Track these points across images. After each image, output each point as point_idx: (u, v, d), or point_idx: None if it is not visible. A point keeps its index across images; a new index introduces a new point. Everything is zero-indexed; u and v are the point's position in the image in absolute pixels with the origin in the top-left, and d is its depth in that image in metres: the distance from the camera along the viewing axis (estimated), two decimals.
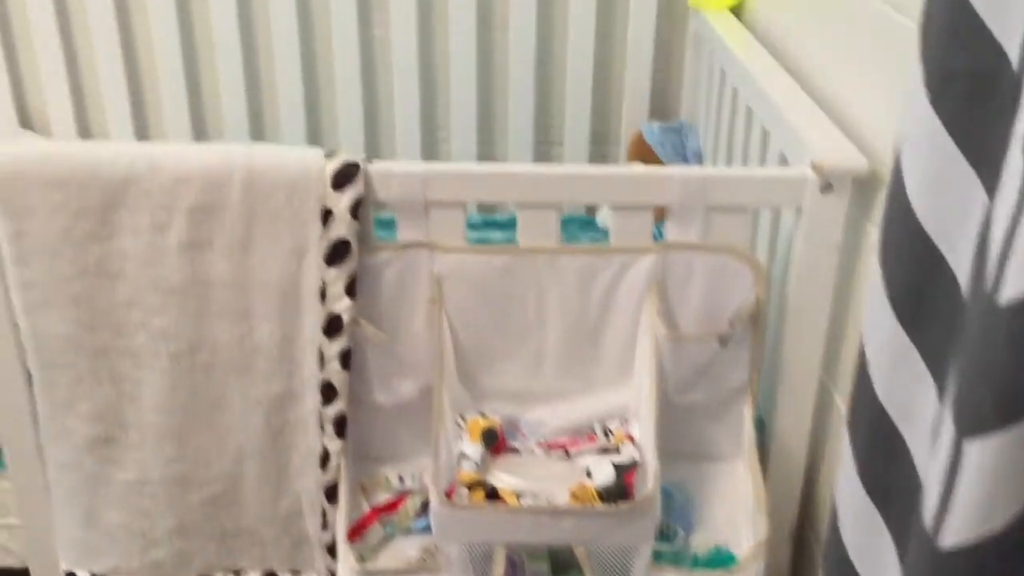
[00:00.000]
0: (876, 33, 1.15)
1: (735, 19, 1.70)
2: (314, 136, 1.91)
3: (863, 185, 1.12)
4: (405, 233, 1.16)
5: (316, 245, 1.13)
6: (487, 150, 1.94)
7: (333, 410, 1.17)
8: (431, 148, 1.93)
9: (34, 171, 1.10)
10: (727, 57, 1.56)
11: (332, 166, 1.12)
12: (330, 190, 1.12)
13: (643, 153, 1.82)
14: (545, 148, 1.94)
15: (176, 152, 1.13)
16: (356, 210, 1.12)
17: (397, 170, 1.13)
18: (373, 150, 1.92)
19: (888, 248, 0.81)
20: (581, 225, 1.84)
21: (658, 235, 1.15)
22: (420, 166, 1.14)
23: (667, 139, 1.80)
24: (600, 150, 1.95)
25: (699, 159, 1.80)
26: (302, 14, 1.83)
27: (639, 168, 1.19)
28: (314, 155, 1.13)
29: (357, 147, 1.89)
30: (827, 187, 1.10)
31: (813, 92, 1.31)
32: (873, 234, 1.12)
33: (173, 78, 1.85)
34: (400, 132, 1.90)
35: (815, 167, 1.10)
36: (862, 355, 0.85)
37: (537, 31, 1.83)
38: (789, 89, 1.31)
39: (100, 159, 1.11)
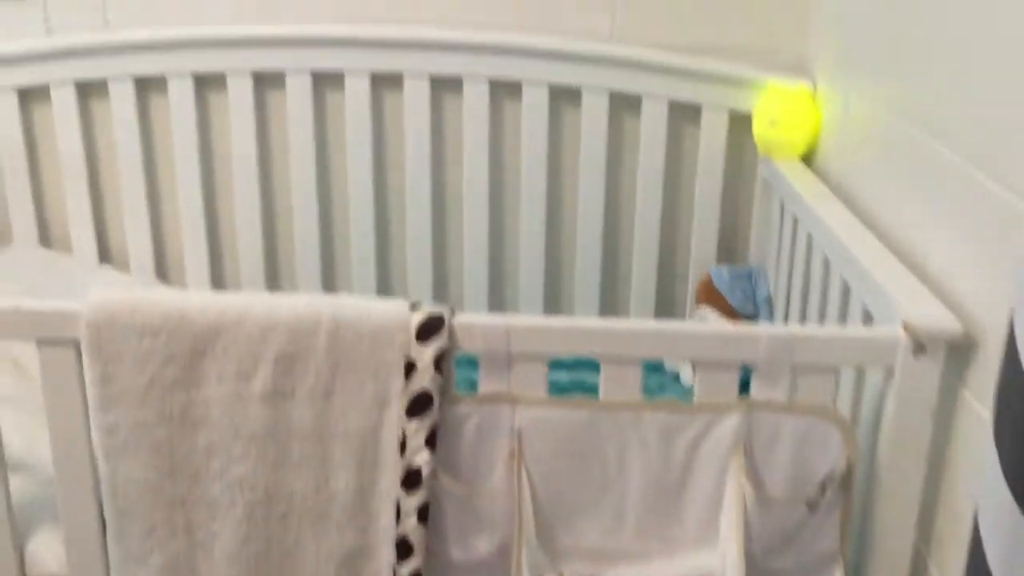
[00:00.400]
0: (964, 196, 1.14)
1: (805, 168, 1.71)
2: (384, 280, 1.94)
3: (957, 348, 1.09)
4: (487, 385, 1.15)
5: (398, 397, 1.13)
6: (553, 289, 1.95)
7: (408, 567, 1.14)
8: (498, 286, 1.95)
9: (125, 318, 1.12)
10: (800, 206, 1.56)
11: (417, 318, 1.12)
12: (414, 342, 1.12)
13: (712, 297, 1.81)
14: (612, 288, 1.95)
15: (264, 302, 1.14)
16: (439, 362, 1.12)
17: (481, 323, 1.13)
18: (441, 290, 1.94)
19: (1004, 425, 0.79)
20: (649, 369, 1.82)
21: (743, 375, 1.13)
22: (504, 319, 1.14)
23: (737, 284, 1.80)
24: (667, 291, 1.95)
25: (769, 305, 1.79)
26: (377, 169, 1.88)
27: (725, 325, 1.19)
28: (399, 307, 1.14)
29: (425, 289, 1.91)
30: (920, 349, 1.08)
31: (894, 248, 1.31)
32: (968, 399, 1.09)
33: (250, 225, 1.90)
34: (468, 270, 1.92)
35: (907, 329, 1.08)
36: (976, 535, 0.82)
37: (606, 171, 1.86)
38: (870, 244, 1.31)
39: (190, 308, 1.12)
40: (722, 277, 1.81)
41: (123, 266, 1.92)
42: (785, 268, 1.69)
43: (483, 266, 1.91)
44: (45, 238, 1.92)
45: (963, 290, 1.13)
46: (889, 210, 1.38)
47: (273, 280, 1.95)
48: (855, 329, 1.22)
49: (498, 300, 1.96)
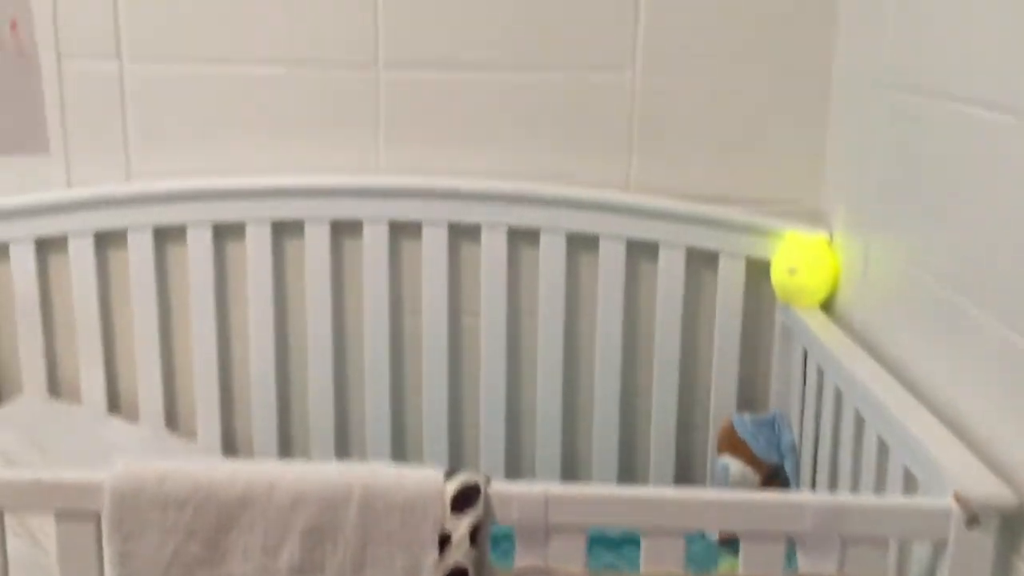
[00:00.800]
0: (999, 355, 1.13)
1: (826, 317, 1.70)
2: (398, 447, 1.91)
3: (1010, 519, 1.06)
4: (522, 558, 1.10)
5: (431, 572, 1.08)
6: (572, 435, 1.92)
7: None
8: (515, 431, 1.91)
9: (150, 491, 1.08)
10: (826, 358, 1.55)
11: (452, 487, 1.09)
12: (449, 513, 1.08)
13: (735, 445, 1.78)
14: (631, 435, 1.91)
15: (294, 471, 1.10)
16: (475, 535, 1.07)
17: (518, 492, 1.10)
18: (456, 434, 1.91)
19: None
20: None
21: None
22: (542, 487, 1.10)
23: (760, 432, 1.77)
24: (687, 439, 1.91)
25: (794, 453, 1.75)
26: (394, 317, 1.87)
27: (769, 495, 1.16)
28: (433, 475, 1.10)
29: (441, 456, 1.88)
30: (973, 521, 1.05)
31: (930, 406, 1.28)
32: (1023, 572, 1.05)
33: (263, 376, 1.87)
34: (485, 413, 1.89)
35: (960, 500, 1.05)
36: None
37: (624, 318, 1.85)
38: (909, 405, 1.29)
39: (218, 479, 1.09)
40: (744, 424, 1.78)
41: (132, 416, 1.88)
42: (811, 418, 1.67)
43: (500, 409, 1.88)
44: (54, 387, 1.89)
45: (1008, 454, 1.11)
46: (920, 366, 1.37)
47: (285, 430, 1.91)
48: (904, 500, 1.19)
49: (515, 442, 1.92)
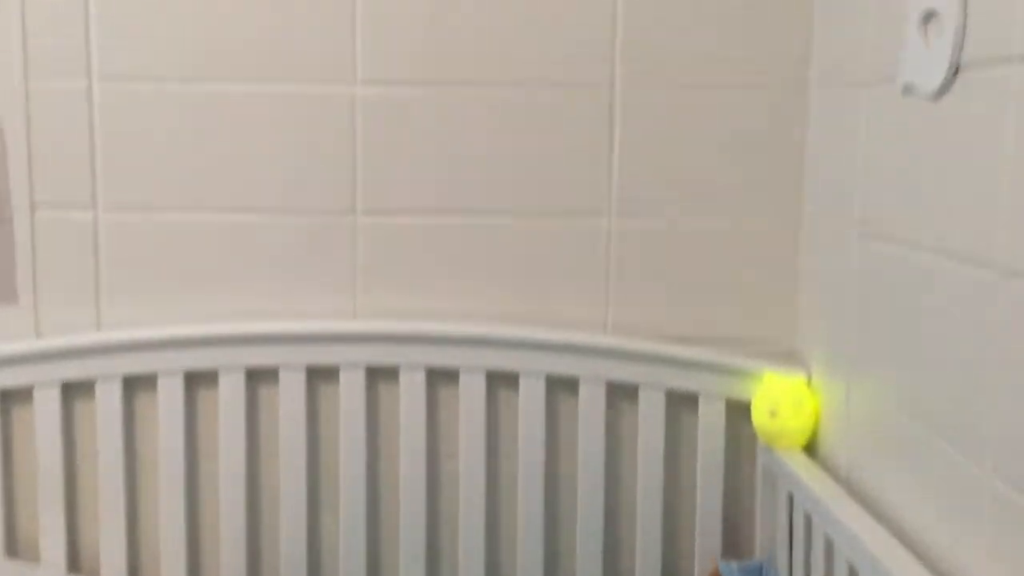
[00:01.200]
0: (996, 510, 1.11)
1: (810, 461, 1.69)
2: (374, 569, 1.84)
3: None
4: None
5: None
6: None
7: None
8: None
9: None
10: (815, 506, 1.52)
11: None
12: None
13: None
14: None
15: None
16: None
17: None
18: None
19: None
20: None
21: None
22: None
23: None
24: None
25: None
26: (371, 463, 1.83)
27: None
28: None
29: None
30: None
31: (919, 555, 1.26)
32: None
33: (234, 545, 1.81)
34: (463, 567, 1.83)
35: None
36: None
37: (605, 461, 1.82)
38: (902, 559, 1.26)
39: None
40: (732, 572, 1.73)
41: (93, 574, 1.79)
42: (800, 565, 1.63)
43: (480, 556, 1.82)
44: (12, 545, 1.80)
45: None
46: (910, 514, 1.35)
47: None
48: None
49: None
